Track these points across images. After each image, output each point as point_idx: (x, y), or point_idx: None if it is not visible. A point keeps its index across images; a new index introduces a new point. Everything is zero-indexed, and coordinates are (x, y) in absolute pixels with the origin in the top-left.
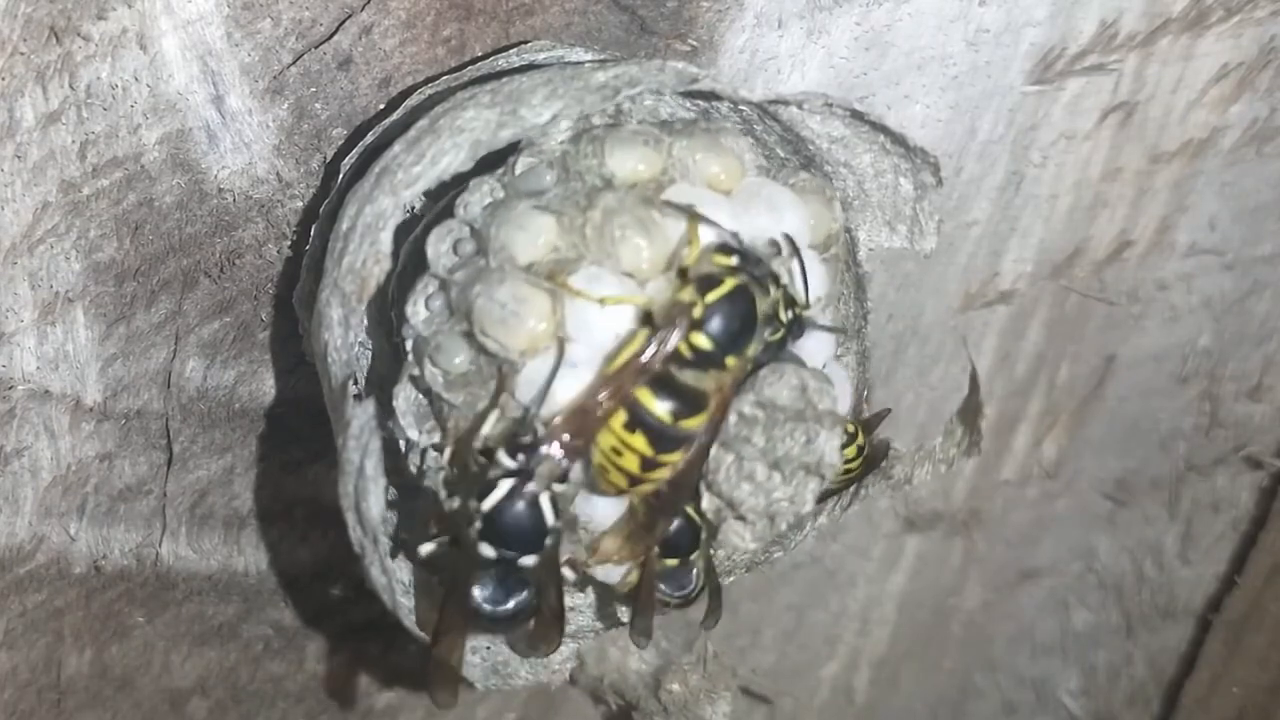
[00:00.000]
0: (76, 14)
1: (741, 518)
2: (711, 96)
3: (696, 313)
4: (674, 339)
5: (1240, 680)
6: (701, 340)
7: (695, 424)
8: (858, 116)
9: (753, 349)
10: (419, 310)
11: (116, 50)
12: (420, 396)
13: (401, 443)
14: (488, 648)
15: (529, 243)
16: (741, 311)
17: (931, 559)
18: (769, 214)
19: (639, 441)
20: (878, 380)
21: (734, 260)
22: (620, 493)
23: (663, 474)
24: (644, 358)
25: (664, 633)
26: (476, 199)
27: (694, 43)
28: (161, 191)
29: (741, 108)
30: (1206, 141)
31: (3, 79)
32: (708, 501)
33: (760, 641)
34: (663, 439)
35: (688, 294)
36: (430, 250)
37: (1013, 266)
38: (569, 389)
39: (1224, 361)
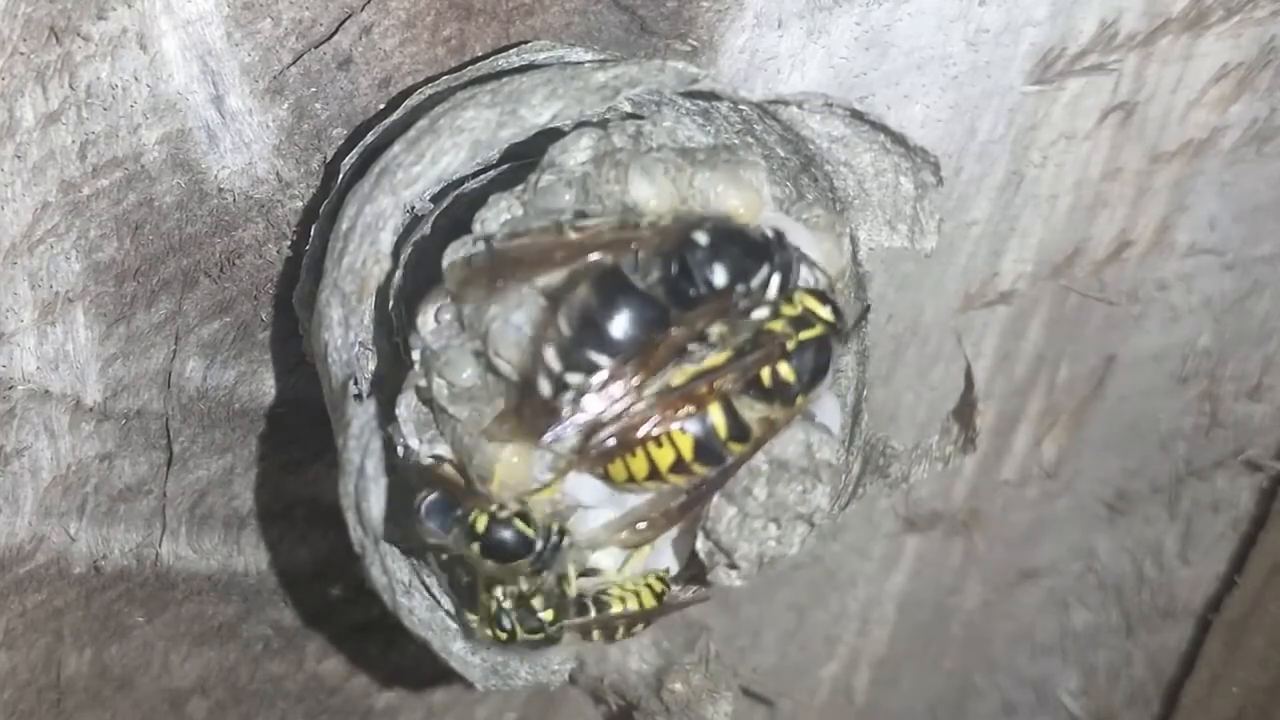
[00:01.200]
0: (76, 14)
1: (734, 565)
2: (711, 96)
3: (790, 345)
4: (765, 361)
5: (1240, 680)
6: (786, 372)
7: (739, 450)
8: (858, 116)
9: (812, 396)
10: (429, 322)
11: (116, 50)
12: (422, 405)
13: (400, 449)
14: (487, 648)
15: None
16: (826, 358)
17: (931, 559)
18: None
19: (685, 443)
20: (878, 380)
21: (827, 311)
22: (624, 481)
23: (677, 482)
24: (739, 368)
25: (665, 633)
26: (493, 214)
27: (694, 43)
28: (161, 191)
29: (741, 107)
30: (1206, 141)
31: (3, 79)
32: (701, 544)
33: (760, 642)
34: (706, 452)
35: (780, 325)
36: (446, 263)
37: (1013, 266)
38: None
39: (1224, 361)
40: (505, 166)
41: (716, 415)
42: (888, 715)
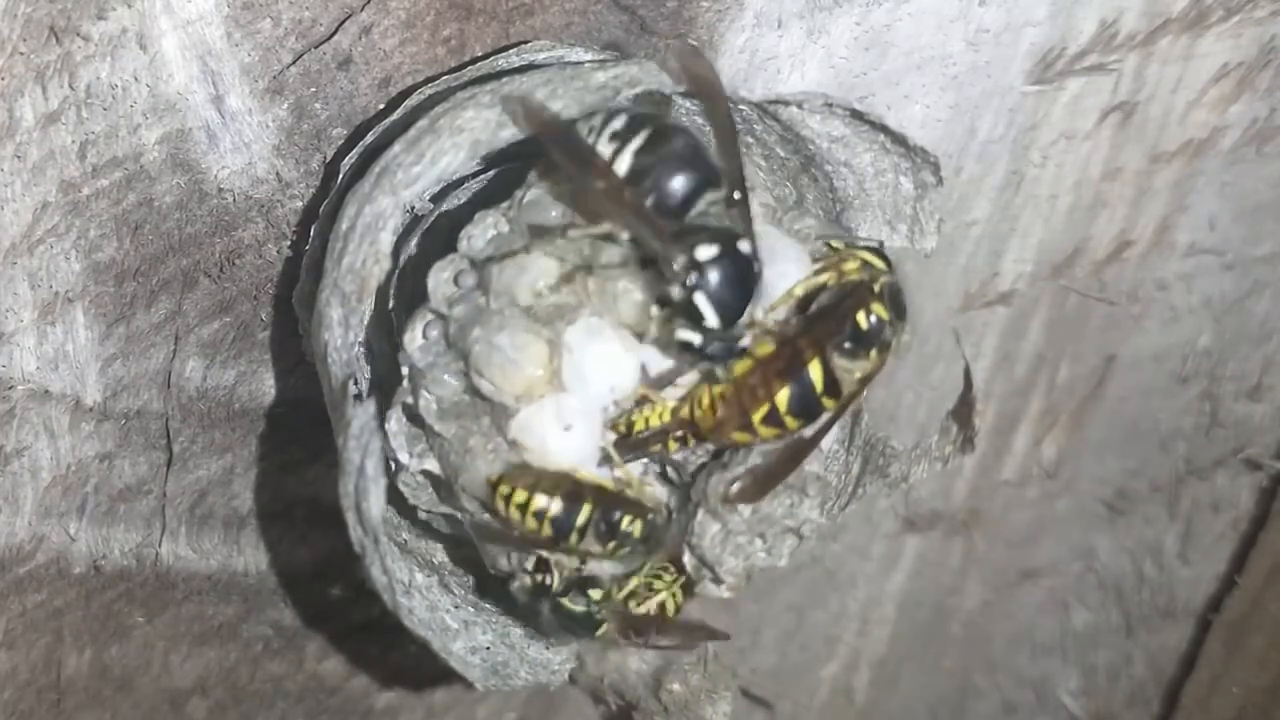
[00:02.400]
0: (76, 14)
1: (719, 580)
2: None
3: (877, 287)
4: (859, 306)
5: (1240, 680)
6: (881, 310)
7: (831, 405)
8: (858, 116)
9: (904, 339)
10: (416, 338)
11: (116, 50)
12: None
13: (391, 462)
14: (487, 648)
15: (530, 286)
16: (902, 299)
17: (931, 559)
18: (771, 265)
19: (783, 395)
20: (878, 380)
21: (883, 263)
22: (711, 430)
23: (768, 434)
24: (836, 317)
25: None
26: (480, 231)
27: (694, 43)
28: (161, 191)
29: (741, 107)
30: (1206, 141)
31: (3, 79)
32: (688, 558)
33: (760, 642)
34: (802, 403)
35: (856, 272)
36: (431, 281)
37: (1013, 266)
38: (566, 446)
39: (1224, 361)
40: (504, 167)
41: (815, 371)
42: (888, 715)
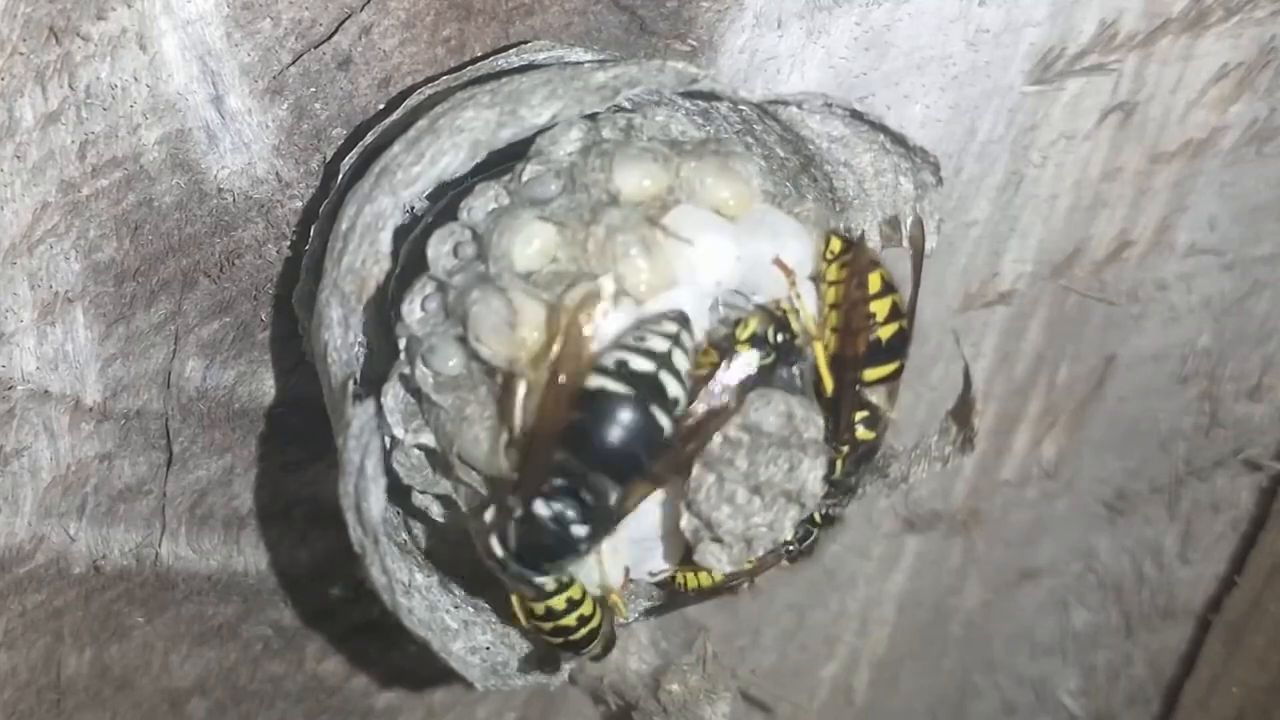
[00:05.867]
0: (76, 14)
1: (719, 540)
2: (711, 96)
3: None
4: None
5: (1240, 680)
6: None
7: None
8: (857, 116)
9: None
10: (415, 310)
11: (116, 50)
12: (409, 395)
13: (387, 439)
14: (487, 648)
15: (529, 252)
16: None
17: (931, 559)
18: (771, 241)
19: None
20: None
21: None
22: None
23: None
24: None
25: (663, 633)
26: (481, 203)
27: (694, 43)
28: (161, 191)
29: (741, 108)
30: (1206, 141)
31: (2, 79)
32: (686, 521)
33: (760, 641)
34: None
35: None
36: (431, 251)
37: (1013, 266)
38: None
39: (1224, 361)
40: (502, 167)
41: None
42: (888, 715)
